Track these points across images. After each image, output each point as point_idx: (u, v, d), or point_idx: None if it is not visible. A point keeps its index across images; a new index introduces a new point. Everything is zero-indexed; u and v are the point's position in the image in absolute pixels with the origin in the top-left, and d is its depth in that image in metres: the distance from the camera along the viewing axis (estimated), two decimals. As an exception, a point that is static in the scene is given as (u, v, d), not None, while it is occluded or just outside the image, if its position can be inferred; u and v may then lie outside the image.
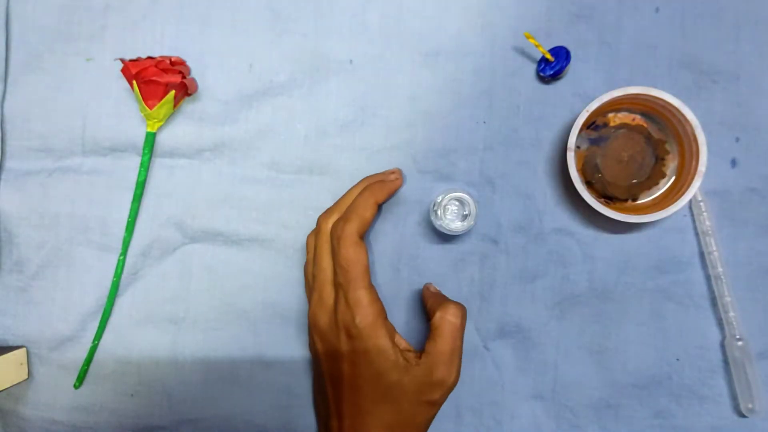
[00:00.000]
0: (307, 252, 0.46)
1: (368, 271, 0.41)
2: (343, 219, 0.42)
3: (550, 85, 0.48)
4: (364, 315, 0.40)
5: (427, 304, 0.44)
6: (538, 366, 0.48)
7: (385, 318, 0.41)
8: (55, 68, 0.48)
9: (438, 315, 0.41)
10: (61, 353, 0.48)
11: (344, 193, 0.45)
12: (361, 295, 0.40)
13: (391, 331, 0.41)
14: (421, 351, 0.42)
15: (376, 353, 0.40)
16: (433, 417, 0.42)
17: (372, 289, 0.41)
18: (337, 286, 0.41)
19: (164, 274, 0.48)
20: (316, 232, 0.44)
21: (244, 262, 0.48)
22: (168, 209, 0.48)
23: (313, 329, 0.44)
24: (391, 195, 0.45)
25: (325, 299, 0.42)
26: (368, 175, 0.47)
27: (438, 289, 0.47)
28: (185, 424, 0.48)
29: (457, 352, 0.41)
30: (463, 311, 0.42)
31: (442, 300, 0.43)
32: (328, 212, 0.44)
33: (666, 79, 0.47)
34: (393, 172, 0.46)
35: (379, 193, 0.43)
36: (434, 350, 0.40)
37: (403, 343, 0.42)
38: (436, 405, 0.41)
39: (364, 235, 0.43)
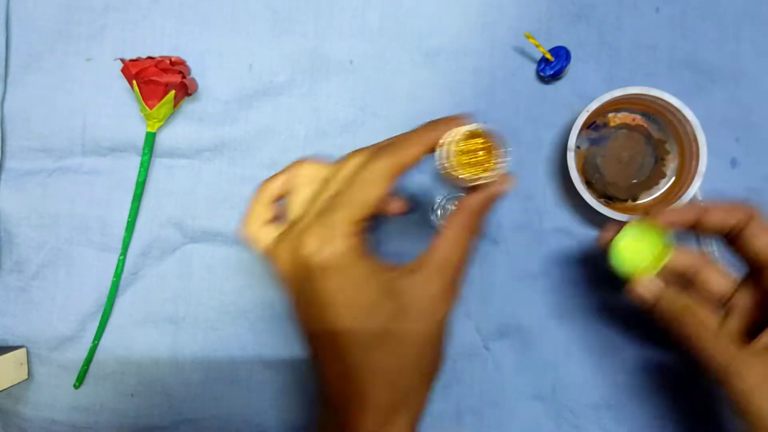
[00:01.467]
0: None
1: (372, 209, 0.31)
2: (383, 148, 0.33)
3: (550, 85, 0.48)
4: (341, 240, 0.30)
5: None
6: (538, 366, 0.48)
7: (368, 252, 0.32)
8: (55, 68, 0.48)
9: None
10: (61, 353, 0.48)
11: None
12: (346, 219, 0.31)
13: (375, 258, 0.32)
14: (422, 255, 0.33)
15: (357, 283, 0.31)
16: (444, 345, 0.34)
17: (363, 225, 0.32)
18: (325, 205, 0.32)
19: (164, 274, 0.48)
20: (337, 164, 0.34)
21: (244, 262, 0.48)
22: (168, 209, 0.48)
23: (274, 271, 0.33)
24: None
25: (296, 229, 0.32)
26: None
27: None
28: (185, 424, 0.48)
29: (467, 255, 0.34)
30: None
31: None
32: (363, 150, 0.34)
33: (666, 79, 0.47)
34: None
35: (434, 133, 0.33)
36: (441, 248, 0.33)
37: (391, 265, 0.33)
38: (444, 325, 0.33)
39: (395, 177, 0.32)
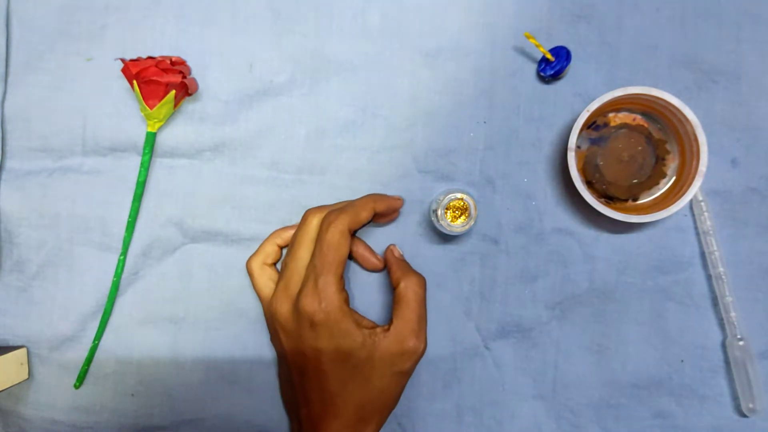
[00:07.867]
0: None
1: (344, 263, 0.42)
2: (339, 210, 0.42)
3: (551, 85, 0.48)
4: (330, 300, 0.40)
5: (391, 271, 0.45)
6: (538, 366, 0.48)
7: (349, 306, 0.42)
8: (55, 68, 0.48)
9: (402, 285, 0.43)
10: (62, 353, 0.48)
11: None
12: (330, 281, 0.41)
13: (355, 315, 0.43)
14: (387, 324, 0.43)
15: (341, 336, 0.41)
16: (403, 387, 0.44)
17: (342, 280, 0.42)
18: (310, 270, 0.42)
19: (164, 274, 0.48)
20: (300, 224, 0.44)
21: (244, 262, 0.48)
22: (168, 209, 0.48)
23: (274, 319, 0.43)
24: (390, 213, 0.46)
25: (291, 288, 0.42)
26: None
27: (401, 252, 0.47)
28: (185, 424, 0.48)
29: (424, 321, 0.43)
30: (424, 281, 0.44)
31: (406, 270, 0.45)
32: (320, 208, 0.44)
33: (666, 78, 0.47)
34: (398, 197, 0.47)
35: (380, 202, 0.44)
36: (401, 320, 0.42)
37: (366, 322, 0.44)
38: (407, 374, 0.43)
39: (353, 232, 0.43)
